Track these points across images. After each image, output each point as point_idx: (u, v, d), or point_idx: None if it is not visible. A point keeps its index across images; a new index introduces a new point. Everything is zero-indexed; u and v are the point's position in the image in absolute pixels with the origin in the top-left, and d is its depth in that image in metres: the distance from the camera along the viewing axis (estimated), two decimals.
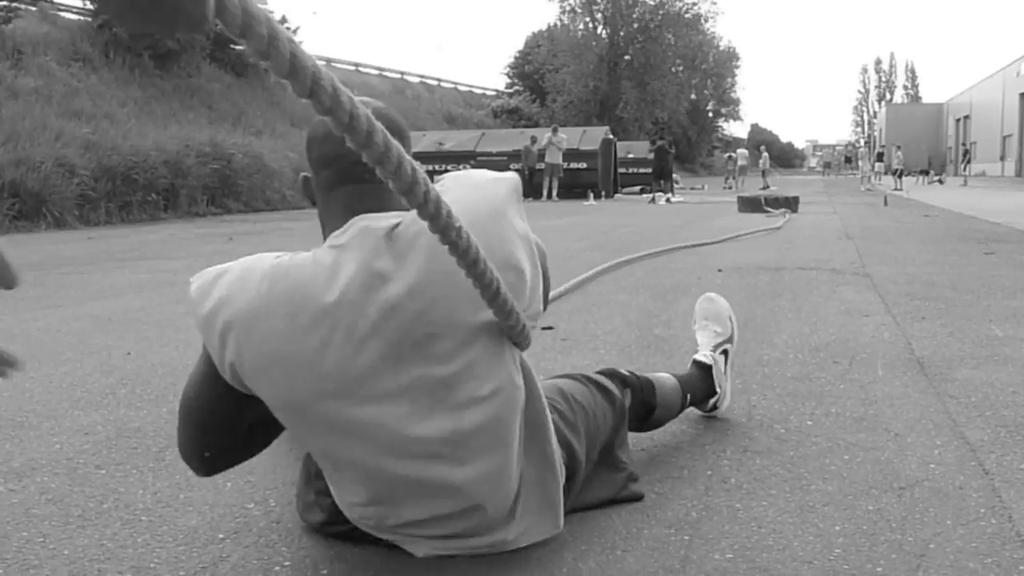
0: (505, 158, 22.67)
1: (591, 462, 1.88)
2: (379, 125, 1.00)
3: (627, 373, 2.17)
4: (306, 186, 1.61)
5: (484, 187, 1.56)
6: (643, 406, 2.16)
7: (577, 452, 1.79)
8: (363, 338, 1.43)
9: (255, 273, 1.46)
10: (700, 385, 2.45)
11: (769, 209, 13.96)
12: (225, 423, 1.58)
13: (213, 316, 1.46)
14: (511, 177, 1.60)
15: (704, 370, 2.48)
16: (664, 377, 2.31)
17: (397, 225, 1.45)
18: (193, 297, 1.49)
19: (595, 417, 1.92)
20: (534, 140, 22.63)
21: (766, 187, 27.40)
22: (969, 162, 39.66)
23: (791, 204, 14.25)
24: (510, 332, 1.50)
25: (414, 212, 1.20)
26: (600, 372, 2.14)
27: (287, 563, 1.66)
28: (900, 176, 29.33)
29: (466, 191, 1.53)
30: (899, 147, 33.24)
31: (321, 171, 1.55)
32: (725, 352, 2.57)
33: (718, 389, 2.50)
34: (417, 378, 1.46)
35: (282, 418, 1.52)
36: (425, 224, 1.21)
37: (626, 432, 2.07)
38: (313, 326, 1.42)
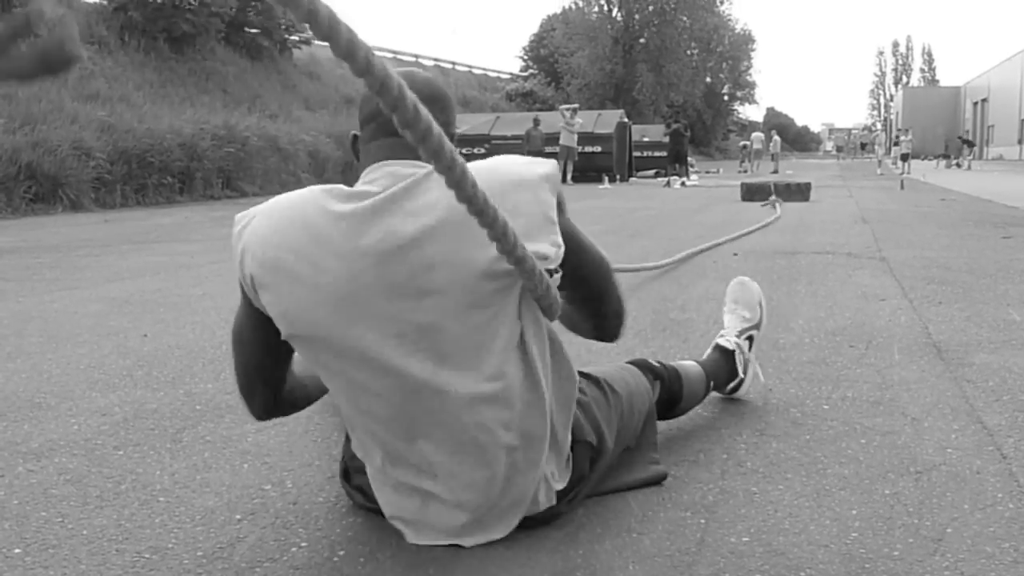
0: (520, 141, 22.62)
1: (620, 447, 1.90)
2: (410, 94, 1.04)
3: (657, 364, 2.17)
4: (353, 143, 1.68)
5: (516, 162, 1.59)
6: (670, 397, 2.18)
7: (605, 436, 1.80)
8: (363, 254, 1.46)
9: (279, 198, 1.59)
10: (722, 369, 2.46)
11: (769, 199, 12.57)
12: (263, 358, 1.68)
13: (237, 236, 1.57)
14: (548, 161, 1.62)
15: (726, 355, 2.48)
16: (689, 365, 2.31)
17: (429, 174, 1.49)
18: (234, 234, 1.60)
19: (631, 406, 1.93)
20: (537, 123, 22.34)
21: (775, 171, 27.24)
22: (972, 145, 39.22)
23: (802, 191, 13.38)
24: (534, 294, 1.50)
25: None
26: (631, 362, 2.14)
27: (304, 544, 1.67)
28: (906, 160, 29.08)
29: (496, 161, 1.58)
30: (905, 131, 32.94)
31: (366, 126, 1.62)
32: (750, 338, 2.55)
33: (740, 374, 2.50)
34: (408, 311, 1.48)
35: (293, 342, 1.58)
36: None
37: (655, 423, 2.08)
38: (316, 233, 1.48)
